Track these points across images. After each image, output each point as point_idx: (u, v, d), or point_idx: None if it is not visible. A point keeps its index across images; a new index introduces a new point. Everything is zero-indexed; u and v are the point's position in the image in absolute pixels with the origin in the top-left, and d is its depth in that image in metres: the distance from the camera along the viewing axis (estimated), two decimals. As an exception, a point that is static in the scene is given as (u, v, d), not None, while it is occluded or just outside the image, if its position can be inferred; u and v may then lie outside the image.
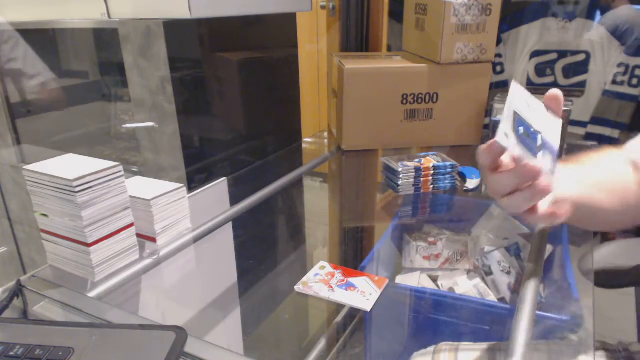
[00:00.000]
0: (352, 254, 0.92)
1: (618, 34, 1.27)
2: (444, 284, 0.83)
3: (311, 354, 0.71)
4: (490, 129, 1.17)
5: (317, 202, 1.14)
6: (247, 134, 1.22)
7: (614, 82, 1.30)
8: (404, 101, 1.18)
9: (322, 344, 0.73)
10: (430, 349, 0.63)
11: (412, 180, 0.97)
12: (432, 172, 0.97)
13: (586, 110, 1.35)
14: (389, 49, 1.50)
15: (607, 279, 0.89)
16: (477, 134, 1.24)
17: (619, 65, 1.28)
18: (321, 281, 0.69)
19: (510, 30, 1.38)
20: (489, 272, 0.80)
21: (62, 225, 0.65)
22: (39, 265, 0.72)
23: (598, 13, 1.29)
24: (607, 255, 0.92)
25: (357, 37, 1.44)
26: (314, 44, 1.49)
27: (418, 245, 0.84)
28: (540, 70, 1.38)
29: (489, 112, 1.20)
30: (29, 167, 0.65)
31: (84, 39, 1.85)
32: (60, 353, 0.46)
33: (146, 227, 0.73)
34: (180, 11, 0.57)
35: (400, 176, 0.96)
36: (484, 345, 0.61)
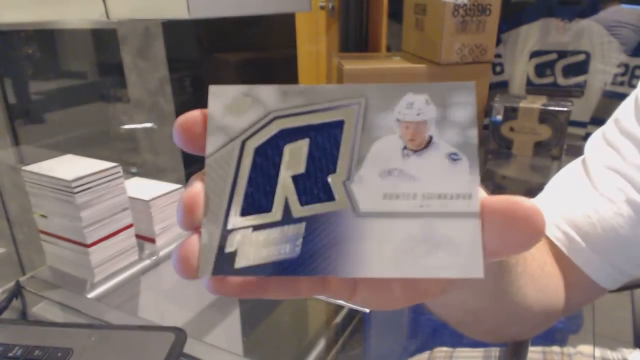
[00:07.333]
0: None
1: (618, 34, 1.27)
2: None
3: (310, 354, 0.71)
4: (489, 129, 1.17)
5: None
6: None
7: (614, 82, 1.30)
8: (404, 101, 1.17)
9: (321, 345, 0.73)
10: (425, 355, 0.62)
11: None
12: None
13: (586, 110, 1.35)
14: (389, 49, 1.50)
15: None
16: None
17: (619, 65, 1.28)
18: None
19: (510, 30, 1.38)
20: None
21: (61, 226, 0.65)
22: (38, 266, 0.71)
23: (598, 13, 1.29)
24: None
25: (356, 38, 1.44)
26: (313, 45, 1.49)
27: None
28: (540, 70, 1.37)
29: (488, 112, 1.19)
30: (28, 168, 0.64)
31: (82, 40, 1.85)
32: (59, 354, 0.46)
33: (145, 228, 0.73)
34: (179, 11, 0.57)
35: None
36: (479, 352, 0.60)
